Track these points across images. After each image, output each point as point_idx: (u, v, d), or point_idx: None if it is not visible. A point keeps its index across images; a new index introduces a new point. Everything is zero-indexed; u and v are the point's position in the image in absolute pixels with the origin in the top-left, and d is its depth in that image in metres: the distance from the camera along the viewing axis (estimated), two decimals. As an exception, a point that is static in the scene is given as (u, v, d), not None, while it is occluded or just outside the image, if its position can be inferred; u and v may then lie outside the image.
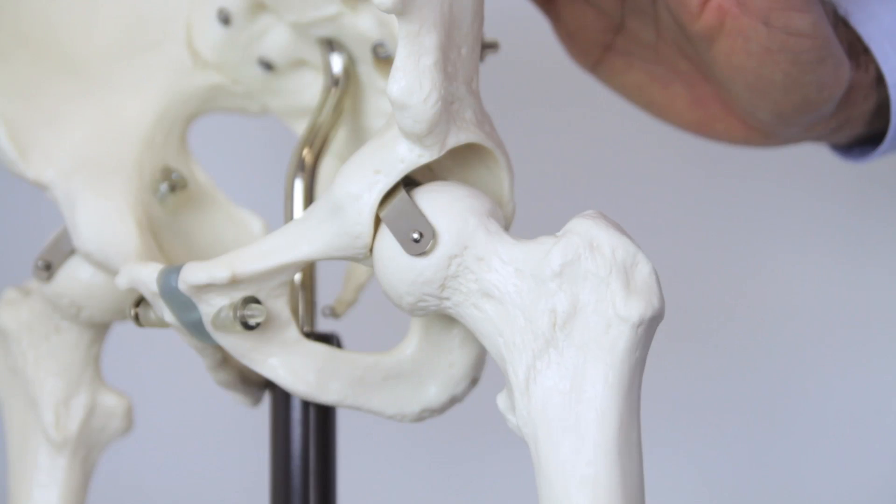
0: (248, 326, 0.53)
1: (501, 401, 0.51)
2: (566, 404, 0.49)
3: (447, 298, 0.51)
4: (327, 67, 0.60)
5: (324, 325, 0.63)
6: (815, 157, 0.78)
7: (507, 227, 0.53)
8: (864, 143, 0.67)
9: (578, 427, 0.49)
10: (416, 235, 0.51)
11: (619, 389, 0.49)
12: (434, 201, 0.51)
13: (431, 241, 0.51)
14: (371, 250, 0.52)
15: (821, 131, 0.64)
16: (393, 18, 0.56)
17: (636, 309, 0.49)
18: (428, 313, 0.53)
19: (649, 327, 0.49)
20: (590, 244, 0.49)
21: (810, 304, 0.98)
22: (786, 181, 0.96)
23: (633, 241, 0.50)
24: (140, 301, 0.57)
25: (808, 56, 0.58)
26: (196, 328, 0.55)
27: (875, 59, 0.62)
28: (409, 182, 0.53)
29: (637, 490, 0.49)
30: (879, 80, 0.63)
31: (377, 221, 0.52)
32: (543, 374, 0.49)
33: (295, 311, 0.60)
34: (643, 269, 0.49)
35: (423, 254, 0.51)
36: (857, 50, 0.62)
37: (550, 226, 0.51)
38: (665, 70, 0.65)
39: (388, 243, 0.52)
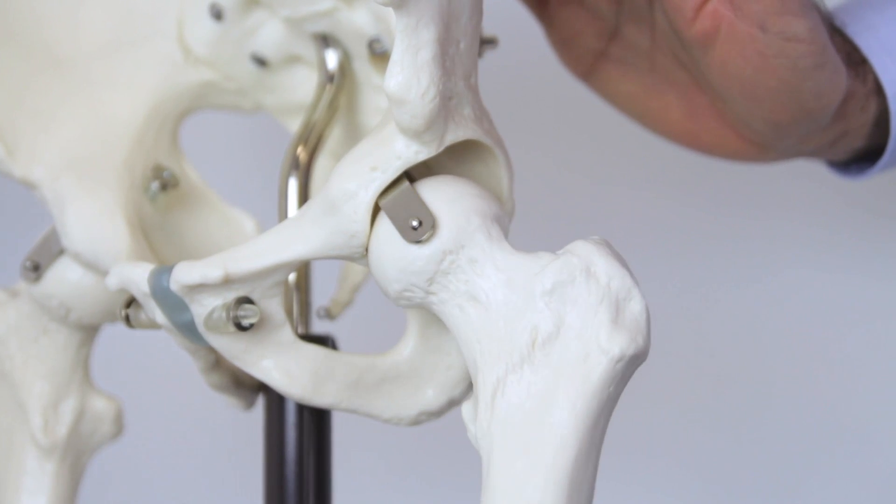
0: (241, 327, 0.53)
1: (466, 410, 0.50)
2: (528, 425, 0.48)
3: (434, 293, 0.51)
4: (322, 64, 0.60)
5: (318, 326, 0.62)
6: (817, 174, 0.78)
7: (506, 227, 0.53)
8: (861, 159, 0.66)
9: (535, 450, 0.47)
10: (415, 223, 0.50)
11: (584, 421, 0.48)
12: (439, 192, 0.51)
13: (430, 230, 0.50)
14: (367, 250, 0.51)
15: (817, 144, 0.63)
16: (390, 13, 0.55)
17: (619, 343, 0.48)
18: (412, 305, 0.52)
19: (629, 364, 0.48)
20: (587, 269, 0.48)
21: (810, 317, 0.98)
22: (788, 196, 0.96)
23: (632, 276, 0.49)
24: (131, 302, 0.57)
25: (805, 62, 0.57)
26: (188, 329, 0.54)
27: (873, 70, 0.62)
28: (407, 178, 0.52)
29: None
30: (878, 90, 0.62)
31: (373, 219, 0.51)
32: (512, 389, 0.48)
33: (289, 313, 0.60)
34: (635, 306, 0.49)
35: (420, 242, 0.50)
36: (855, 60, 0.62)
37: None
38: (659, 80, 0.64)
39: (385, 228, 0.51)
